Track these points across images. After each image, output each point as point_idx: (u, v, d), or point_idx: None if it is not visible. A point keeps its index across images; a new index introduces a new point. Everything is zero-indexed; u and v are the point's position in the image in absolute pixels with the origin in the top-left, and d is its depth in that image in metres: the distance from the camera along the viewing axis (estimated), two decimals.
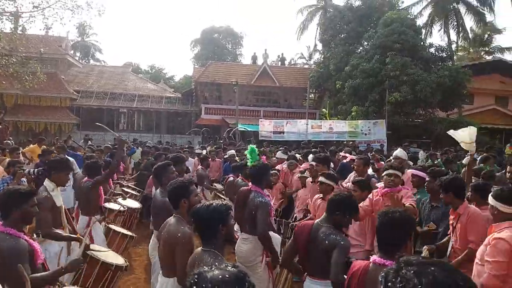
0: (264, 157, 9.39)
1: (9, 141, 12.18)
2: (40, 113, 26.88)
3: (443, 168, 8.16)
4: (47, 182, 4.26)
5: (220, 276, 1.31)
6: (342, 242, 3.14)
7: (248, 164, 6.14)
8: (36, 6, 19.69)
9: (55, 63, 29.29)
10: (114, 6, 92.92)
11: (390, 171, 4.64)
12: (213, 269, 1.36)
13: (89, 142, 15.82)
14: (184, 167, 5.85)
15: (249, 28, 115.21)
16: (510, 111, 28.41)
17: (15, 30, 20.08)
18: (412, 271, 1.05)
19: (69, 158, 6.07)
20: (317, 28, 32.66)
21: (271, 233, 4.42)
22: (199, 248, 2.69)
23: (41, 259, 2.95)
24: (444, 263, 1.12)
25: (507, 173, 6.05)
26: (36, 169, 6.72)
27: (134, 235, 5.56)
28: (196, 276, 1.33)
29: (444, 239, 4.21)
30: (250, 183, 4.72)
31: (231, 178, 7.22)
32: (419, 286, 1.01)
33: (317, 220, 3.45)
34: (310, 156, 7.38)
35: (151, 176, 8.24)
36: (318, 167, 6.03)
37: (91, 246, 4.14)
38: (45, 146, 11.31)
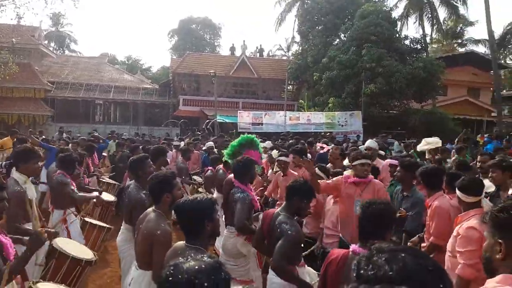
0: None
1: None
2: (13, 105, 26.17)
3: (418, 159, 8.41)
4: (17, 175, 3.98)
5: (196, 267, 1.32)
6: (289, 232, 3.14)
7: (225, 157, 6.11)
8: None
9: (28, 54, 28.49)
10: None
11: (363, 160, 4.60)
12: (188, 260, 1.36)
13: (64, 135, 15.53)
14: (166, 159, 5.81)
15: (227, 19, 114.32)
16: (482, 102, 29.26)
17: None
18: (383, 258, 1.04)
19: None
20: (295, 20, 32.70)
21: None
22: (182, 243, 2.59)
23: (12, 253, 2.84)
24: (415, 250, 1.13)
25: (477, 163, 6.21)
26: (4, 162, 6.54)
27: (110, 226, 5.55)
28: (172, 268, 1.34)
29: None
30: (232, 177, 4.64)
31: (209, 172, 7.27)
32: (390, 273, 1.00)
33: (278, 209, 3.53)
34: (275, 152, 7.44)
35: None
36: (294, 159, 6.13)
37: (58, 240, 4.03)
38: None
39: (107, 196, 6.97)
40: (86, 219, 5.44)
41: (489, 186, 4.39)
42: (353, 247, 2.56)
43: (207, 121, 24.43)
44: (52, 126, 25.45)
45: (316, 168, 5.19)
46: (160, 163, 5.29)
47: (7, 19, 46.45)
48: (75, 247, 4.17)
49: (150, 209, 3.35)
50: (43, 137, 12.85)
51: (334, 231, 4.74)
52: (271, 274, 3.31)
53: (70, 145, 9.59)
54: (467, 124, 25.21)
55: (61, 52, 45.53)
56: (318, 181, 4.57)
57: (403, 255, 1.06)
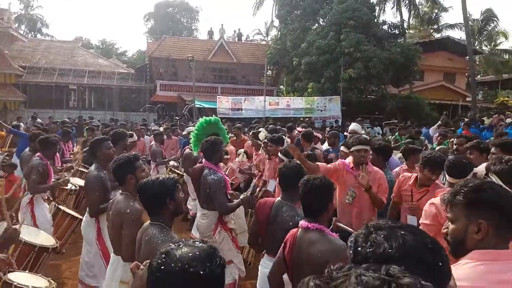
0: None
1: None
2: None
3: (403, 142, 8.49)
4: None
5: (190, 254, 1.25)
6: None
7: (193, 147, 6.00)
8: None
9: None
10: None
11: (359, 146, 4.26)
12: (180, 246, 1.29)
13: (38, 120, 15.11)
14: (126, 142, 5.69)
15: (204, 3, 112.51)
16: (457, 87, 29.82)
17: None
18: (382, 235, 1.06)
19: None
20: (274, 4, 32.38)
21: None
22: (147, 222, 2.66)
23: None
24: (413, 227, 1.14)
25: (453, 145, 6.35)
26: None
27: (80, 216, 5.20)
28: (163, 256, 1.26)
29: None
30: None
31: (187, 150, 7.12)
32: (390, 250, 1.02)
33: (278, 198, 3.45)
34: (262, 134, 7.35)
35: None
36: (271, 148, 6.09)
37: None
38: None
39: (80, 182, 6.84)
40: (60, 206, 5.25)
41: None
42: (301, 222, 2.65)
43: (186, 106, 24.12)
44: (25, 112, 24.67)
45: (279, 153, 5.17)
46: (120, 147, 5.22)
47: None
48: (30, 233, 4.05)
49: (118, 193, 3.37)
50: (14, 123, 12.43)
51: None
52: (264, 267, 3.28)
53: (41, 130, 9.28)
54: (442, 108, 25.61)
55: (33, 36, 43.99)
56: (318, 163, 4.42)
57: (402, 232, 1.07)
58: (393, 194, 4.35)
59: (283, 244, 2.74)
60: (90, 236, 4.18)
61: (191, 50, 26.89)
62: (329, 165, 4.46)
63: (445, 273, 1.07)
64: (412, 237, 1.06)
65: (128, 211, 3.04)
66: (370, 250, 1.03)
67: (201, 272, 1.21)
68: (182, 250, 1.26)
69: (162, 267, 1.23)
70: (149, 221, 2.63)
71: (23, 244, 3.77)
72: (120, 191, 3.35)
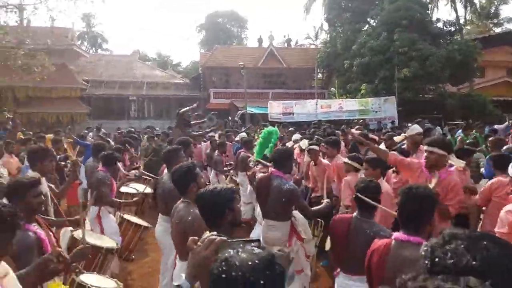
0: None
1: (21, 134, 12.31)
2: (51, 104, 27.07)
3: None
4: (32, 174, 3.95)
5: (250, 262, 1.23)
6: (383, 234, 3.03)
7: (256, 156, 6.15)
8: None
9: (63, 54, 29.31)
10: None
11: (426, 147, 3.93)
12: (239, 252, 1.27)
13: (102, 130, 16.01)
14: (192, 150, 5.90)
15: (253, 10, 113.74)
16: None
17: (20, 23, 20.10)
18: (462, 246, 0.98)
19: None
20: (323, 8, 32.18)
21: (297, 213, 4.42)
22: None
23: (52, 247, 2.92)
24: (493, 236, 1.08)
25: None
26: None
27: (149, 225, 5.40)
28: (223, 263, 1.25)
29: None
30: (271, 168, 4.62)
31: (243, 153, 7.32)
32: (473, 262, 0.95)
33: (355, 214, 3.32)
34: (304, 142, 7.28)
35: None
36: (327, 150, 6.07)
37: (78, 233, 3.96)
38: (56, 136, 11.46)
39: (145, 189, 7.14)
40: (125, 216, 5.42)
41: None
42: (396, 234, 2.49)
43: (239, 112, 24.53)
44: (90, 123, 26.21)
45: (347, 158, 5.13)
46: (186, 154, 5.33)
47: (41, 22, 48.21)
48: (95, 238, 4.23)
49: (179, 202, 3.41)
50: (84, 132, 13.20)
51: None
52: (341, 286, 3.26)
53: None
54: (507, 106, 24.20)
55: (94, 52, 46.69)
56: (391, 152, 4.33)
57: (484, 242, 1.00)
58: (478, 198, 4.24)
59: (368, 256, 2.59)
60: (169, 242, 4.13)
61: (241, 58, 27.35)
62: (403, 158, 4.22)
63: None
64: (496, 248, 0.98)
65: (189, 218, 3.09)
66: (451, 261, 0.96)
67: (262, 282, 1.20)
68: (241, 256, 1.25)
69: (224, 276, 1.22)
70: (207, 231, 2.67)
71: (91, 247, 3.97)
72: (181, 199, 3.38)
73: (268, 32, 77.13)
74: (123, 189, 6.25)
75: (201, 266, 1.45)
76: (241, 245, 1.34)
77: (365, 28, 26.20)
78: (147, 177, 8.40)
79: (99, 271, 3.89)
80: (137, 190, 6.40)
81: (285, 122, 20.40)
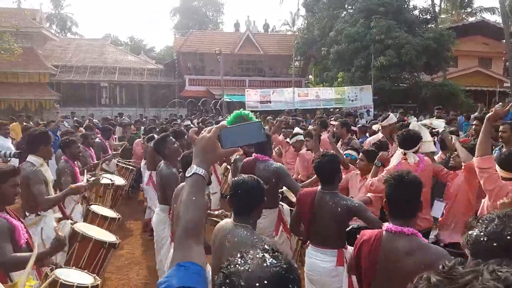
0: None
1: None
2: (19, 90, 26.00)
3: None
4: (32, 158, 4.03)
5: (257, 284, 0.98)
6: (357, 205, 3.20)
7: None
8: None
9: (30, 38, 28.14)
10: None
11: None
12: (247, 263, 1.03)
13: (75, 118, 15.52)
14: (184, 141, 5.81)
15: None
16: (494, 73, 28.62)
17: None
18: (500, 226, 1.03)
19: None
20: None
21: (283, 204, 4.45)
22: (229, 221, 2.56)
23: (24, 238, 2.89)
24: None
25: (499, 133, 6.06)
26: (11, 152, 6.44)
27: (118, 216, 5.10)
28: (227, 281, 1.02)
29: None
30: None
31: None
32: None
33: (319, 187, 3.40)
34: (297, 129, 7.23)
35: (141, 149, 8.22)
36: (338, 130, 6.21)
37: (78, 225, 4.01)
38: (25, 123, 10.99)
39: (118, 180, 6.92)
40: (92, 207, 5.12)
41: None
42: (387, 225, 2.40)
43: (214, 100, 24.18)
44: (60, 111, 25.32)
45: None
46: (180, 144, 5.34)
47: (8, 3, 46.16)
48: (96, 231, 4.15)
49: (181, 184, 3.47)
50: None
51: None
52: (310, 257, 3.31)
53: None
54: (478, 95, 24.72)
55: (63, 35, 45.07)
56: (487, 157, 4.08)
57: None
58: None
59: (356, 246, 2.52)
60: (165, 233, 4.26)
61: (218, 44, 26.90)
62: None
63: None
64: None
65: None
66: (495, 244, 0.99)
67: None
68: (249, 272, 1.01)
69: None
70: (232, 221, 2.53)
71: (93, 241, 3.82)
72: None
73: (245, 17, 76.38)
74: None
75: (205, 149, 1.39)
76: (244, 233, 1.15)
77: (342, 15, 26.08)
78: (126, 166, 8.20)
79: (100, 266, 3.89)
80: (112, 181, 6.22)
81: (262, 110, 20.21)
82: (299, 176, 6.13)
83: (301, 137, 6.43)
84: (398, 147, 4.24)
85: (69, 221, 4.10)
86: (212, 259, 2.55)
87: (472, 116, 11.81)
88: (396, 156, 4.22)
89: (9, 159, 6.08)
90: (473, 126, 5.82)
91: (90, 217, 4.96)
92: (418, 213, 2.39)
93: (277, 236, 4.20)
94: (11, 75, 26.05)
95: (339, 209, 3.14)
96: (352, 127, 8.30)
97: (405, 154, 4.10)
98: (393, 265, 2.26)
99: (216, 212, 4.01)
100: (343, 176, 4.82)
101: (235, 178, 2.63)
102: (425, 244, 2.29)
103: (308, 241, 3.43)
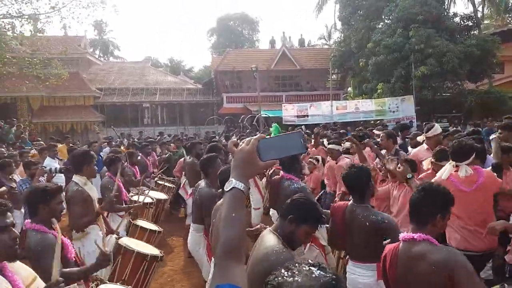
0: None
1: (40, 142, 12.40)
2: (65, 113, 27.23)
3: None
4: (77, 178, 4.17)
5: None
6: (386, 221, 3.11)
7: None
8: (53, 7, 19.84)
9: (76, 63, 29.53)
10: (127, 1, 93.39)
11: None
12: (295, 276, 1.06)
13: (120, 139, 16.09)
14: (221, 156, 5.79)
15: (264, 12, 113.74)
16: None
17: (34, 32, 20.25)
18: None
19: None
20: (335, 6, 31.81)
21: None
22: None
23: (71, 253, 3.01)
24: None
25: None
26: (57, 167, 6.71)
27: (158, 229, 5.29)
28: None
29: None
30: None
31: None
32: None
33: (350, 201, 3.38)
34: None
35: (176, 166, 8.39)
36: (383, 142, 6.11)
37: (124, 239, 4.11)
38: (72, 145, 11.43)
39: (159, 195, 7.03)
40: (138, 222, 5.29)
41: None
42: (403, 235, 2.43)
43: (249, 116, 24.27)
44: (104, 131, 26.24)
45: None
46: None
47: (54, 31, 48.93)
48: (139, 244, 4.20)
49: (220, 201, 3.43)
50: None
51: None
52: (351, 273, 3.25)
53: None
54: None
55: (106, 59, 47.02)
56: None
57: None
58: None
59: (382, 259, 2.56)
60: (200, 252, 4.24)
61: (254, 61, 27.09)
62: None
63: None
64: None
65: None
66: None
67: None
68: (298, 283, 1.04)
69: None
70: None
71: (135, 254, 3.85)
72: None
73: (281, 33, 76.92)
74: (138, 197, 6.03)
75: (244, 161, 1.35)
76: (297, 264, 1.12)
77: (379, 26, 25.67)
78: (167, 182, 8.34)
79: (143, 282, 3.92)
80: (153, 199, 6.37)
81: (299, 124, 20.06)
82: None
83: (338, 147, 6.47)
84: (450, 159, 3.99)
85: (114, 235, 4.18)
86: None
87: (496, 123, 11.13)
88: (447, 169, 3.94)
89: (54, 174, 6.34)
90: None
91: (132, 230, 5.11)
92: (432, 222, 2.34)
93: (306, 249, 4.07)
94: (58, 99, 27.38)
95: (367, 224, 3.09)
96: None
97: (457, 166, 3.84)
98: (410, 273, 2.30)
99: (255, 228, 3.93)
100: (382, 187, 4.64)
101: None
102: (436, 246, 2.27)
103: (347, 256, 3.43)
